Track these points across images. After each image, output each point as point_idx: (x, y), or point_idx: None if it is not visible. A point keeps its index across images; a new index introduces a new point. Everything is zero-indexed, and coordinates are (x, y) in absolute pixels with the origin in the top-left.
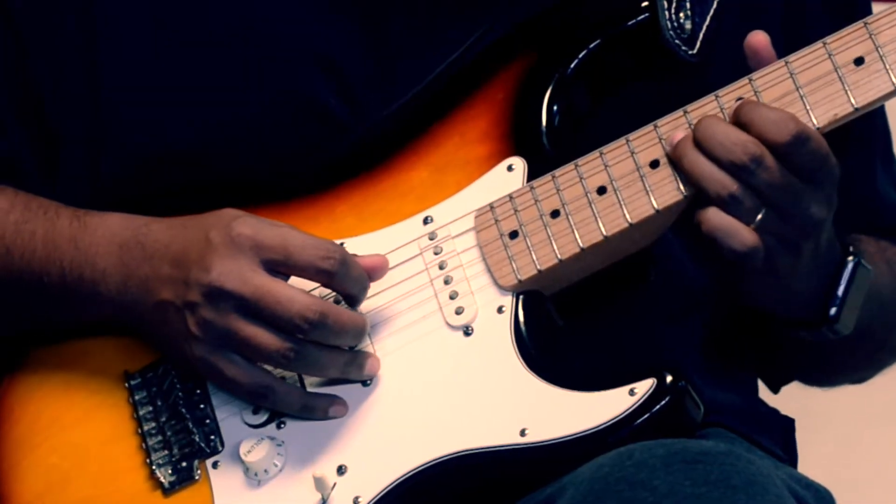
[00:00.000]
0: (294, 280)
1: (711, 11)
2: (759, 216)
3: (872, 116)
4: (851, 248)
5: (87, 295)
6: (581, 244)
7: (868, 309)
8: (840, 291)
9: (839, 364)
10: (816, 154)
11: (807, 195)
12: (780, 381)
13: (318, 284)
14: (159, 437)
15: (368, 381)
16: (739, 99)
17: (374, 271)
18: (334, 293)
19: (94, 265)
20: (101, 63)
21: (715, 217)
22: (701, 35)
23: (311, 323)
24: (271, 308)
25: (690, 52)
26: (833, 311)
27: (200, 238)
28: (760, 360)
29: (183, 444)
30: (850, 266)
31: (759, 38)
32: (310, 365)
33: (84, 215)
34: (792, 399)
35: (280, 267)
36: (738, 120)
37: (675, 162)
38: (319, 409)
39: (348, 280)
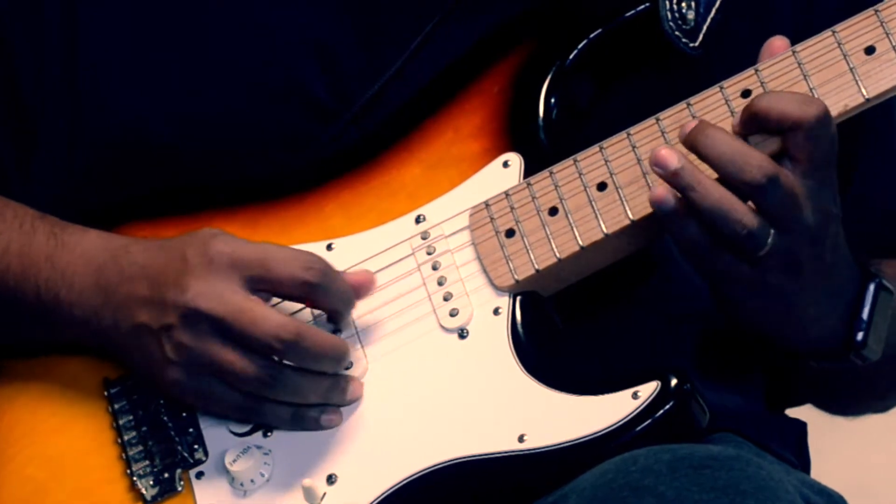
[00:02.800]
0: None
1: (717, 4)
2: (770, 241)
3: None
4: (873, 270)
5: (63, 316)
6: (581, 242)
7: (891, 333)
8: (865, 314)
9: (861, 394)
10: (833, 139)
11: (809, 201)
12: (785, 406)
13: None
14: (140, 447)
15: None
16: (746, 91)
17: (360, 288)
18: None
19: (71, 286)
20: (80, 50)
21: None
22: (704, 28)
23: (285, 343)
24: (246, 328)
25: (692, 45)
26: (860, 336)
27: (177, 258)
28: (768, 384)
29: (165, 454)
30: (871, 288)
31: (778, 45)
32: (289, 391)
33: (61, 232)
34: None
35: (260, 283)
36: (755, 112)
37: (680, 191)
38: (310, 419)
39: (331, 294)
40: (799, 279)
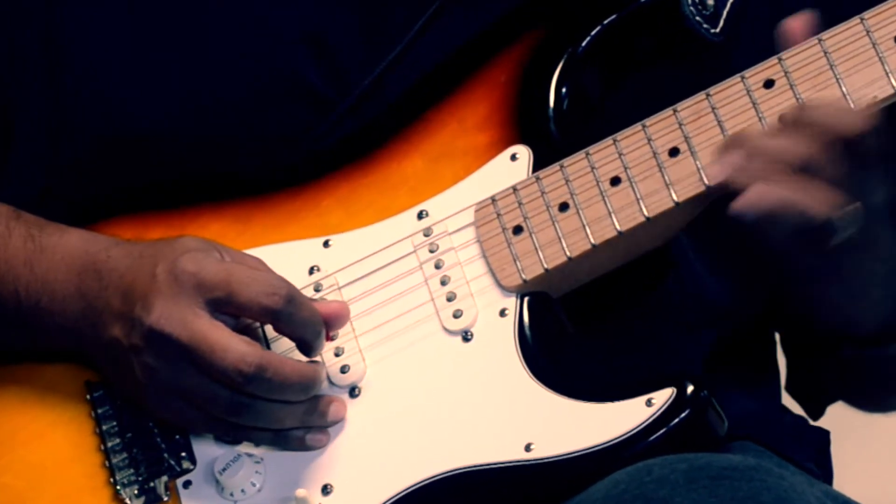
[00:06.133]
0: None
1: None
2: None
3: None
4: None
5: (46, 324)
6: (592, 240)
7: None
8: None
9: None
10: (878, 139)
11: (870, 180)
12: (822, 405)
13: None
14: (124, 455)
15: (357, 392)
16: (769, 82)
17: (332, 319)
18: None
19: (53, 293)
20: (63, 36)
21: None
22: (725, 13)
23: (245, 376)
24: (207, 358)
25: (713, 31)
26: None
27: (148, 272)
28: (800, 383)
29: (150, 462)
30: None
31: (796, 25)
32: (261, 419)
33: (39, 234)
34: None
35: (224, 306)
36: (799, 122)
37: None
38: (294, 440)
39: (296, 321)
40: (875, 258)
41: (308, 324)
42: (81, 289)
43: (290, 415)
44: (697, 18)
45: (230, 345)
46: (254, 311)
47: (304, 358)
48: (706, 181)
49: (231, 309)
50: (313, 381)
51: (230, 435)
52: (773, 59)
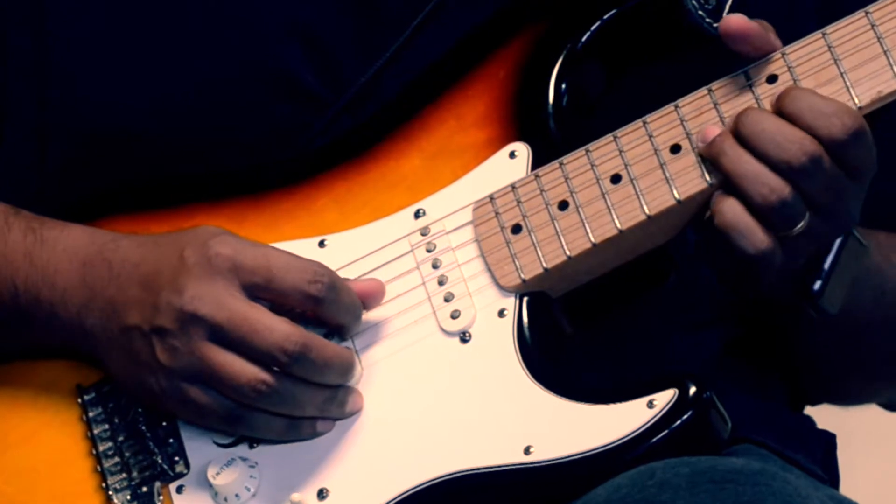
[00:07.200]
0: None
1: None
2: (802, 223)
3: None
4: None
5: (44, 317)
6: (593, 239)
7: (867, 298)
8: (826, 264)
9: (836, 371)
10: (870, 150)
11: (851, 193)
12: (802, 399)
13: None
14: (116, 459)
15: None
16: (772, 77)
17: (368, 298)
18: None
19: (53, 284)
20: (49, 33)
21: (731, 212)
22: (727, 7)
23: (290, 355)
24: (248, 337)
25: (716, 26)
26: (817, 284)
27: (174, 257)
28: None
29: (143, 467)
30: (840, 237)
31: (734, 21)
32: (284, 401)
33: (40, 227)
34: (832, 412)
35: (261, 292)
36: (784, 110)
37: (712, 160)
38: (306, 427)
39: (338, 308)
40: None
41: (350, 309)
42: (86, 279)
43: (312, 401)
44: (700, 13)
45: (274, 324)
46: (295, 298)
47: None
48: (708, 179)
49: (269, 295)
50: (351, 365)
51: (240, 424)
52: (777, 54)
